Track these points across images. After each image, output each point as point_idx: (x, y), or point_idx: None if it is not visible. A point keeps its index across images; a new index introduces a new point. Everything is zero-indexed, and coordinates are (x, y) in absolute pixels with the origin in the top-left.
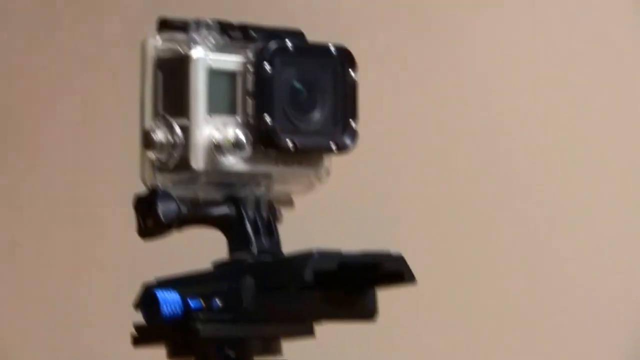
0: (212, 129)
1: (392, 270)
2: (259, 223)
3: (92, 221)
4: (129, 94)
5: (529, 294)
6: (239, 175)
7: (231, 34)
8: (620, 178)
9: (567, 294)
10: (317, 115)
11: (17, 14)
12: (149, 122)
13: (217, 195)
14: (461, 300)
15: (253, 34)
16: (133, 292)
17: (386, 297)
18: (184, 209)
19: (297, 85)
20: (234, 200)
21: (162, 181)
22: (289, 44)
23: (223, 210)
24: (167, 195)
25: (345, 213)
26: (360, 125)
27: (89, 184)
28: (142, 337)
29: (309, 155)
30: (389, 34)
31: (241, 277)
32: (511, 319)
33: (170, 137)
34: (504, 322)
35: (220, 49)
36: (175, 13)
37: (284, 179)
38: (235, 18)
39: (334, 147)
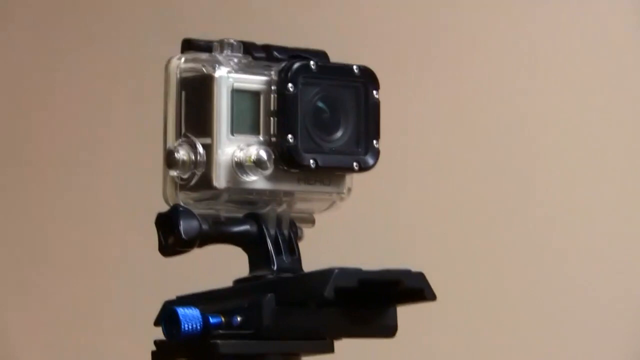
0: (235, 148)
1: (413, 287)
2: (280, 241)
3: (93, 221)
4: (134, 97)
5: (529, 293)
6: (260, 193)
7: (255, 54)
8: (621, 178)
9: (568, 294)
10: (339, 134)
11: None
12: (171, 142)
13: (238, 213)
14: (461, 300)
15: (276, 54)
16: (136, 294)
17: None
18: (205, 227)
19: (320, 105)
20: (256, 218)
21: (183, 199)
22: (312, 64)
23: (244, 227)
24: (188, 213)
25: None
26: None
27: (97, 187)
28: (162, 352)
29: (330, 174)
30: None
31: (261, 293)
32: (512, 319)
33: (192, 156)
34: (505, 321)
35: (243, 69)
36: (198, 34)
37: (306, 197)
38: (258, 39)
39: (356, 166)
